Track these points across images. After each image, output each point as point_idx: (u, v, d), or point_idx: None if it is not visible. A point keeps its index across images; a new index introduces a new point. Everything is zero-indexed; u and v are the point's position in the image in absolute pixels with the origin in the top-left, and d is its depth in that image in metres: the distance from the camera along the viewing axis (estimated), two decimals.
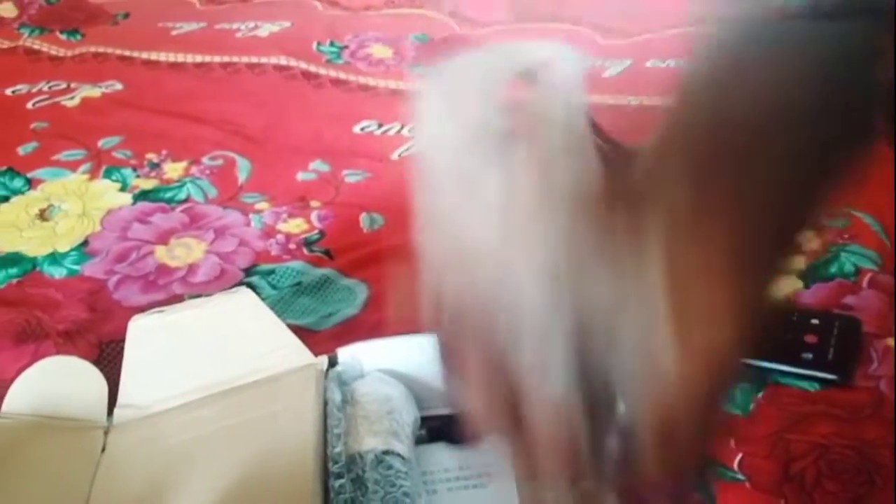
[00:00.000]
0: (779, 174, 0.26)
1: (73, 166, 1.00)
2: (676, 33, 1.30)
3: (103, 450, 0.60)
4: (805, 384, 0.67)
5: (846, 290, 0.76)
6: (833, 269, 0.79)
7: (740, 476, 0.60)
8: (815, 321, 0.71)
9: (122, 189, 0.96)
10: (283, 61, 1.23)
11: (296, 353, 0.63)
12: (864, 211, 0.86)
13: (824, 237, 0.83)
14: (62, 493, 0.57)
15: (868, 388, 0.66)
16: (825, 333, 0.70)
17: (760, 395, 0.66)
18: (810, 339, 0.69)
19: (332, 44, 1.29)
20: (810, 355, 0.68)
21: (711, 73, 0.30)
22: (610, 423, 0.28)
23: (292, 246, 0.86)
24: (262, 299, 0.73)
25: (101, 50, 1.29)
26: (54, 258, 0.85)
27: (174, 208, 0.93)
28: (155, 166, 1.00)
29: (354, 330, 0.75)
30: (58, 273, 0.83)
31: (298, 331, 0.69)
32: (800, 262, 0.80)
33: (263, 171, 0.99)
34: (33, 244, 0.87)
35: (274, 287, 0.80)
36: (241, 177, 0.98)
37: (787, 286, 0.77)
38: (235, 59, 1.25)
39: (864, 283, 0.77)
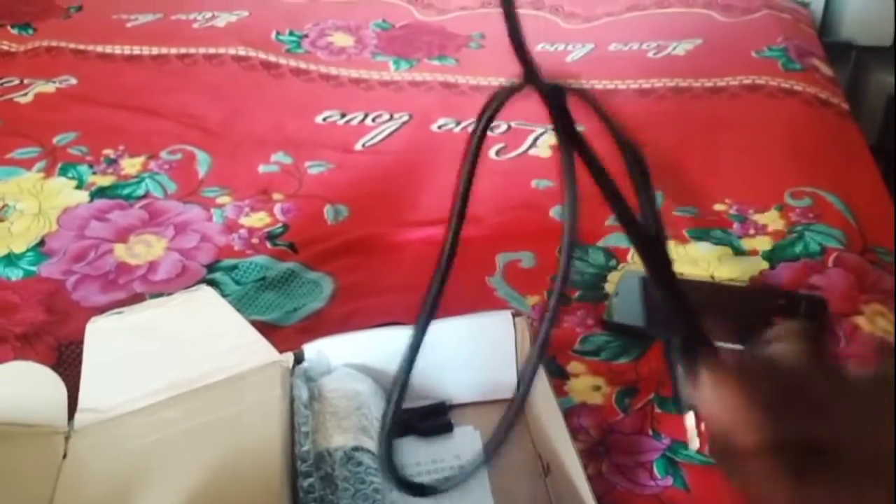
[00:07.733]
0: None
1: (27, 164, 0.98)
2: (637, 16, 1.30)
3: (65, 456, 0.59)
4: None
5: (812, 270, 0.76)
6: (798, 248, 0.79)
7: (711, 459, 0.59)
8: (781, 301, 0.71)
9: (79, 186, 0.94)
10: (241, 51, 1.21)
11: (260, 351, 0.62)
12: (829, 190, 0.86)
13: (788, 217, 0.83)
14: (23, 502, 0.56)
15: None
16: (791, 314, 0.70)
17: None
18: (777, 319, 0.69)
19: (291, 33, 1.27)
20: None
21: None
22: None
23: (255, 240, 0.85)
24: (225, 296, 0.72)
25: (54, 44, 1.26)
26: (10, 259, 0.83)
27: (133, 205, 0.90)
28: (112, 162, 0.98)
29: (321, 324, 0.73)
30: (14, 275, 0.81)
31: (263, 327, 0.68)
32: (765, 243, 0.80)
33: (224, 164, 0.97)
34: None
35: (237, 283, 0.79)
36: (202, 171, 0.96)
37: (753, 267, 0.77)
38: (193, 50, 1.23)
39: (830, 262, 0.77)
